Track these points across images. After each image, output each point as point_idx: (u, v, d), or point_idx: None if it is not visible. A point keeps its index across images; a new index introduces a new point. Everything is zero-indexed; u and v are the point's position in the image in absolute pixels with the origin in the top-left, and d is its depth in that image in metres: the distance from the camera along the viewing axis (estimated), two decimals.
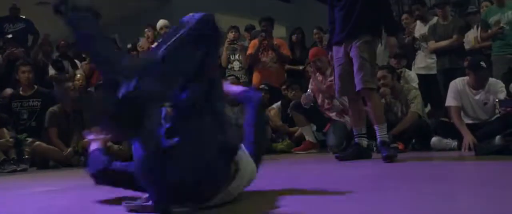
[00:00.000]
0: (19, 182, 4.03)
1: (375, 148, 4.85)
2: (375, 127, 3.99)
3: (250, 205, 1.99)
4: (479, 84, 4.72)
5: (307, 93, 5.56)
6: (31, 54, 7.53)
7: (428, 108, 6.30)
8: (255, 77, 6.98)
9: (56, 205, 2.29)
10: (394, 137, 5.02)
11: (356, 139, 4.22)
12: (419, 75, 6.20)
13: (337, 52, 4.13)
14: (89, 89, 6.49)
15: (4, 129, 5.32)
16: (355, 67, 3.94)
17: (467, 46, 6.28)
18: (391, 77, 5.18)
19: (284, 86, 6.56)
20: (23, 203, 2.52)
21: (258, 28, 7.56)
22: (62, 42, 7.72)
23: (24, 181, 4.09)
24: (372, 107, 4.01)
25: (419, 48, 6.42)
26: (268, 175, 3.52)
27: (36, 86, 6.11)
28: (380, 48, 5.80)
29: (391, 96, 5.24)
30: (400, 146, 4.75)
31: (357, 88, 3.95)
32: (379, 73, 5.05)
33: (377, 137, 3.94)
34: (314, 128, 5.79)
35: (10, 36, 7.20)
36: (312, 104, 5.55)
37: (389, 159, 3.65)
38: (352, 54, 3.98)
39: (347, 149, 4.55)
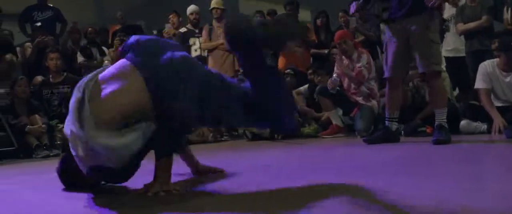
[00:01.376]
0: (52, 166, 4.12)
1: (402, 132, 4.85)
2: (436, 111, 3.92)
3: (281, 192, 2.01)
4: (510, 66, 4.63)
5: (333, 78, 5.54)
6: (59, 41, 7.65)
7: (457, 91, 6.22)
8: (280, 62, 6.95)
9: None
10: (422, 121, 4.99)
11: (386, 122, 4.18)
12: (447, 58, 6.11)
13: (394, 30, 3.98)
14: None
15: (36, 116, 5.45)
16: (418, 49, 3.84)
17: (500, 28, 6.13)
18: None
19: (310, 71, 6.55)
20: (57, 187, 2.59)
21: (282, 12, 7.52)
22: (90, 29, 7.83)
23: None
24: (437, 91, 3.93)
25: (447, 30, 6.31)
26: (295, 159, 3.55)
27: (65, 73, 6.22)
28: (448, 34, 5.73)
29: (418, 79, 5.19)
30: (429, 130, 4.70)
31: (421, 70, 3.89)
32: None
33: (436, 120, 3.87)
34: (341, 112, 5.77)
35: (39, 24, 7.31)
36: (338, 88, 5.53)
37: (439, 143, 3.62)
38: (413, 34, 3.85)
39: (375, 132, 4.53)
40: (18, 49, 6.99)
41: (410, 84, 5.40)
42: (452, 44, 6.22)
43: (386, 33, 4.11)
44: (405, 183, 1.99)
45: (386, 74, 4.08)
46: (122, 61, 2.08)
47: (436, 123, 3.86)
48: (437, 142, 3.63)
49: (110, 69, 2.06)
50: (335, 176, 2.37)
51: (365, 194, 1.76)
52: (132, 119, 1.90)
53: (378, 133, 4.28)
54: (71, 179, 2.29)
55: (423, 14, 3.80)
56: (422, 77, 5.07)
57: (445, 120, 3.86)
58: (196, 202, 1.86)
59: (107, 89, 1.93)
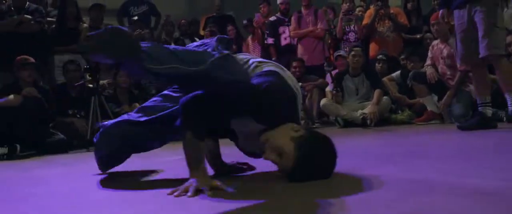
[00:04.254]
0: (153, 151, 4.33)
1: (505, 118, 4.62)
2: (506, 95, 3.79)
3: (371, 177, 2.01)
4: None
5: (429, 72, 5.38)
6: (154, 34, 7.99)
7: None
8: (372, 48, 6.86)
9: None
10: None
11: (480, 108, 4.03)
12: None
13: (460, 17, 3.94)
14: None
15: (136, 104, 5.75)
16: (480, 33, 3.74)
17: None
18: None
19: (402, 57, 6.40)
20: (162, 168, 2.74)
21: None
22: (183, 21, 8.12)
23: (157, 150, 4.39)
24: (501, 74, 3.82)
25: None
26: (390, 144, 3.51)
27: None
28: (507, 11, 5.44)
29: None
30: None
31: (482, 54, 3.76)
32: (508, 38, 4.74)
33: (509, 105, 3.74)
34: (436, 98, 5.59)
35: (136, 18, 7.67)
36: (436, 79, 5.35)
37: None
38: (476, 18, 3.78)
39: (470, 118, 4.37)
40: None
41: None
42: None
43: (455, 21, 4.01)
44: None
45: (460, 65, 4.06)
46: None
47: (510, 108, 3.78)
48: None
49: None
50: (433, 161, 2.33)
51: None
52: None
53: (472, 119, 4.13)
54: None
55: None
56: None
57: None
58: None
59: None
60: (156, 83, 5.38)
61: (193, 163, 1.87)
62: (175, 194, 1.77)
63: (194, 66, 1.75)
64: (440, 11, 4.33)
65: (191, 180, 1.82)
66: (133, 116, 2.40)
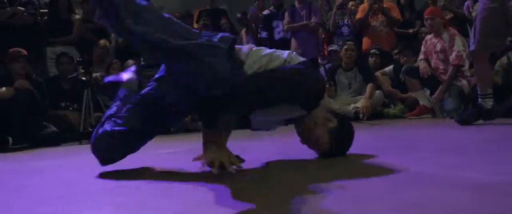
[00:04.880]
0: (146, 145, 4.33)
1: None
2: None
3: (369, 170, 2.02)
4: None
5: (422, 67, 5.40)
6: None
7: None
8: (365, 42, 6.88)
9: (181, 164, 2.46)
10: None
11: (479, 100, 3.89)
12: None
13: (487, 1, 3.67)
14: None
15: None
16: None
17: None
18: None
19: (395, 51, 6.43)
20: (157, 162, 2.75)
21: None
22: (177, 14, 8.07)
23: (151, 144, 4.39)
24: None
25: None
26: (382, 138, 3.53)
27: None
28: None
29: None
30: None
31: None
32: None
33: None
34: (428, 92, 5.62)
35: None
36: (429, 74, 5.38)
37: None
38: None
39: (466, 111, 4.29)
40: (112, 35, 7.38)
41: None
42: None
43: (480, 2, 3.76)
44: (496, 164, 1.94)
45: (472, 48, 3.76)
46: None
47: None
48: None
49: None
50: (429, 153, 2.34)
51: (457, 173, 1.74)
52: None
53: (469, 112, 4.06)
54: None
55: None
56: None
57: None
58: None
59: None
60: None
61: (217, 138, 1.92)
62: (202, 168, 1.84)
63: (183, 41, 1.79)
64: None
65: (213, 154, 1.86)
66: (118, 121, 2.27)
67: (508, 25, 3.58)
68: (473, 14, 4.31)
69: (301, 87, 2.06)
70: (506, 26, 3.61)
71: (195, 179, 1.95)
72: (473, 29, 3.85)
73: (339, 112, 5.62)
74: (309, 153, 2.41)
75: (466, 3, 4.13)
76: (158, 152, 3.31)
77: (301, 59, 2.20)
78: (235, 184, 1.78)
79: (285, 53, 2.21)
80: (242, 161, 2.12)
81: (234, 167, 1.85)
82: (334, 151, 2.28)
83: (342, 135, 2.28)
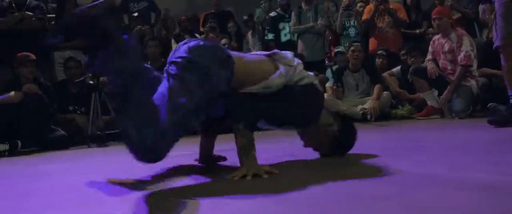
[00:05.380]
0: None
1: None
2: None
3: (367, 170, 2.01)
4: None
5: (429, 67, 5.37)
6: (154, 30, 7.99)
7: None
8: (372, 43, 6.86)
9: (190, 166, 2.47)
10: None
11: (511, 100, 3.67)
12: None
13: None
14: None
15: None
16: None
17: None
18: None
19: (402, 52, 6.40)
20: (166, 164, 2.75)
21: None
22: (183, 17, 8.11)
23: None
24: None
25: None
26: (391, 139, 3.51)
27: (163, 60, 6.49)
28: None
29: None
30: None
31: None
32: None
33: None
34: (436, 92, 5.59)
35: (136, 14, 7.67)
36: (437, 75, 5.35)
37: None
38: None
39: (498, 111, 3.91)
40: None
41: None
42: None
43: (496, 1, 3.67)
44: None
45: (497, 43, 3.58)
46: None
47: None
48: None
49: None
50: (436, 155, 2.33)
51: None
52: None
53: (504, 112, 3.69)
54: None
55: None
56: None
57: None
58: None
59: None
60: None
61: (245, 151, 2.02)
62: (235, 178, 1.94)
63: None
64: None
65: (244, 166, 1.99)
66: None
67: None
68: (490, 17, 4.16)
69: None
70: None
71: (204, 181, 1.95)
72: (494, 26, 3.72)
73: (347, 113, 5.62)
74: (316, 154, 2.42)
75: (481, 7, 4.04)
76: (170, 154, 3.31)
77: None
78: (246, 183, 1.79)
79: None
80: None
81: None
82: (335, 152, 2.40)
83: (343, 138, 2.38)
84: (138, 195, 1.84)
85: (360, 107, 5.66)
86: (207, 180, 2.06)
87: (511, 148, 2.48)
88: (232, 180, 1.94)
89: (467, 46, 5.17)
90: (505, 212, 1.18)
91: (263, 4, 7.84)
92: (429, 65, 5.42)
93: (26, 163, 3.57)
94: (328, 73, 6.72)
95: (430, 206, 1.28)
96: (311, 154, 2.45)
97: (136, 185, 2.05)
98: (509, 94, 3.69)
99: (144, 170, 2.46)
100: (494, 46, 3.72)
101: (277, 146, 3.35)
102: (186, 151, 3.49)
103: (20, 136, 4.42)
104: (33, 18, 5.62)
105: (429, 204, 1.30)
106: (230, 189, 1.79)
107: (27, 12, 5.62)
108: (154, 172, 2.42)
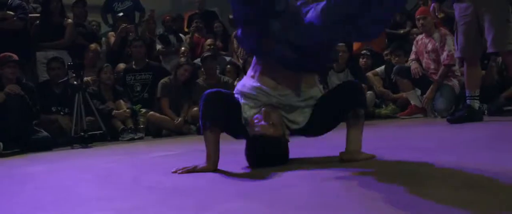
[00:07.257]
0: (139, 148, 4.32)
1: (486, 111, 4.69)
2: None
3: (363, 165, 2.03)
4: None
5: (413, 67, 5.42)
6: (139, 31, 7.93)
7: None
8: (356, 43, 6.89)
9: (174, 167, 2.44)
10: (506, 99, 4.83)
11: (468, 101, 4.07)
12: None
13: (464, 9, 3.96)
14: (195, 61, 6.74)
15: (121, 101, 5.73)
16: (492, 29, 3.77)
17: None
18: None
19: (386, 52, 6.45)
20: (150, 165, 2.74)
21: None
22: (167, 17, 8.05)
23: (143, 147, 4.40)
24: None
25: None
26: (375, 138, 3.54)
27: (147, 60, 6.47)
28: None
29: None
30: None
31: (493, 49, 3.83)
32: None
33: None
34: (419, 92, 5.64)
35: (121, 14, 7.61)
36: (420, 74, 5.40)
37: None
38: (487, 15, 3.80)
39: (456, 111, 4.42)
40: (103, 39, 7.38)
41: (494, 62, 5.21)
42: None
43: (456, 13, 4.06)
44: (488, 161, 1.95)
45: (457, 55, 4.14)
46: None
47: None
48: None
49: None
50: (420, 153, 2.35)
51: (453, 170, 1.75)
52: None
53: (460, 112, 4.16)
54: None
55: None
56: None
57: None
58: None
59: None
60: None
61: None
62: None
63: None
64: (432, 5, 4.40)
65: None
66: None
67: (481, 36, 3.89)
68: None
69: None
70: (481, 34, 3.90)
71: (188, 180, 1.95)
72: (455, 37, 4.16)
73: None
74: (326, 153, 2.42)
75: (432, 5, 4.30)
76: (150, 156, 3.31)
77: None
78: (252, 181, 1.79)
79: None
80: None
81: None
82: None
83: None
84: (123, 194, 1.84)
85: None
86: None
87: (492, 145, 2.52)
88: None
89: (450, 45, 5.23)
90: (492, 209, 1.20)
91: None
92: (413, 65, 5.47)
93: (9, 165, 3.53)
94: None
95: (420, 203, 1.29)
96: (305, 151, 2.45)
97: (124, 184, 2.04)
98: (466, 94, 4.11)
99: (131, 169, 2.44)
100: (455, 55, 4.34)
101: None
102: (170, 151, 3.48)
103: (2, 137, 4.36)
104: (15, 18, 5.56)
105: (419, 201, 1.32)
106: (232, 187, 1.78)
107: (8, 12, 5.55)
108: (141, 171, 2.40)
